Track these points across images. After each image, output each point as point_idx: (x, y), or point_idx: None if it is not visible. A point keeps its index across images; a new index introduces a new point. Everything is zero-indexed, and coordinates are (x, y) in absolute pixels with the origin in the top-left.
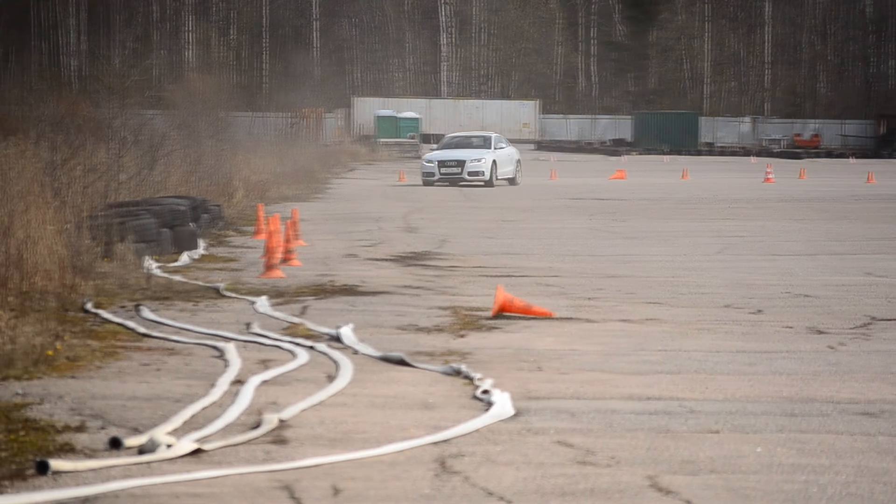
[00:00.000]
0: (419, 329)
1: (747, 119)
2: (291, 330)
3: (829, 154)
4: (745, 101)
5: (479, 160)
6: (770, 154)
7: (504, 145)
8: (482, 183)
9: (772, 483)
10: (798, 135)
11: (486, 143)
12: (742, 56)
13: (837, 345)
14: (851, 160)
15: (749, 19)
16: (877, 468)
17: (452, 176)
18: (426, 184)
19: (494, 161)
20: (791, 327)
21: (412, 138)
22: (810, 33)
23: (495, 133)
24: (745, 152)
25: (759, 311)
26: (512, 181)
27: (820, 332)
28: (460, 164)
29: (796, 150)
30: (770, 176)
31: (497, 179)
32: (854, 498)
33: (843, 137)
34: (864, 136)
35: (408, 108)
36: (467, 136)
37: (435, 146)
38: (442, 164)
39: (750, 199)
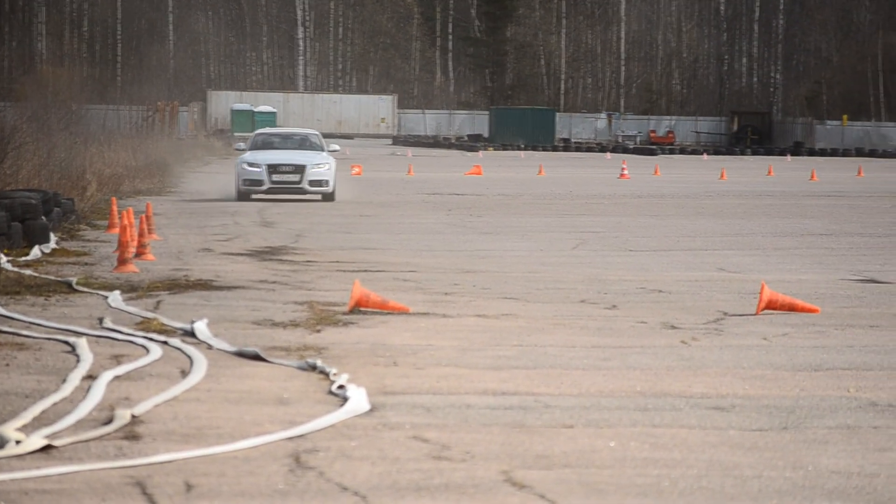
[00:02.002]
0: (275, 324)
1: (603, 115)
2: (145, 325)
3: (683, 151)
4: (601, 98)
5: (321, 165)
6: (625, 150)
7: (335, 147)
8: (321, 196)
9: (625, 477)
10: (653, 131)
11: (313, 144)
12: (598, 52)
13: (690, 340)
14: (705, 157)
15: (605, 16)
16: (728, 462)
17: (288, 186)
18: (244, 196)
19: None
20: (645, 322)
21: None
22: (665, 31)
23: (314, 130)
24: (601, 148)
25: (614, 306)
26: (331, 196)
27: (673, 328)
28: (299, 169)
29: (651, 147)
30: (625, 172)
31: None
32: (705, 491)
33: (696, 134)
34: (718, 133)
35: (264, 103)
36: (287, 133)
37: (243, 145)
38: (273, 168)
39: (605, 195)
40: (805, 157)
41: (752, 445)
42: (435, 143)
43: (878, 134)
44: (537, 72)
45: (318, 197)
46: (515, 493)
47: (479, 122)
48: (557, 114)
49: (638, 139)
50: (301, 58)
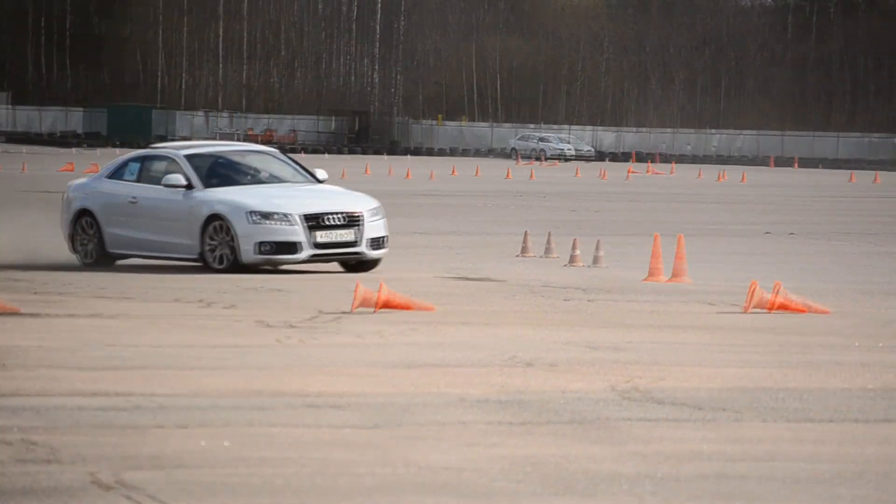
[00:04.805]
0: None
1: (201, 113)
2: None
3: (305, 149)
4: (198, 95)
5: (376, 214)
6: None
7: (323, 174)
8: (366, 265)
9: (238, 476)
10: (251, 129)
11: (296, 172)
12: (195, 50)
13: (309, 339)
14: (303, 155)
15: (203, 14)
16: (341, 459)
17: (342, 251)
18: (246, 269)
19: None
20: (264, 321)
21: None
22: (288, 30)
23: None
24: None
25: (233, 305)
26: (376, 262)
27: (292, 327)
28: (354, 221)
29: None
30: None
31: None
32: (318, 489)
33: (318, 133)
34: (340, 133)
35: None
36: (239, 149)
37: (181, 177)
38: (314, 221)
39: None
40: (401, 156)
41: (365, 443)
42: (51, 140)
43: (471, 133)
44: (136, 69)
45: (371, 266)
46: (127, 493)
47: (96, 119)
48: (154, 111)
49: (237, 136)
50: None
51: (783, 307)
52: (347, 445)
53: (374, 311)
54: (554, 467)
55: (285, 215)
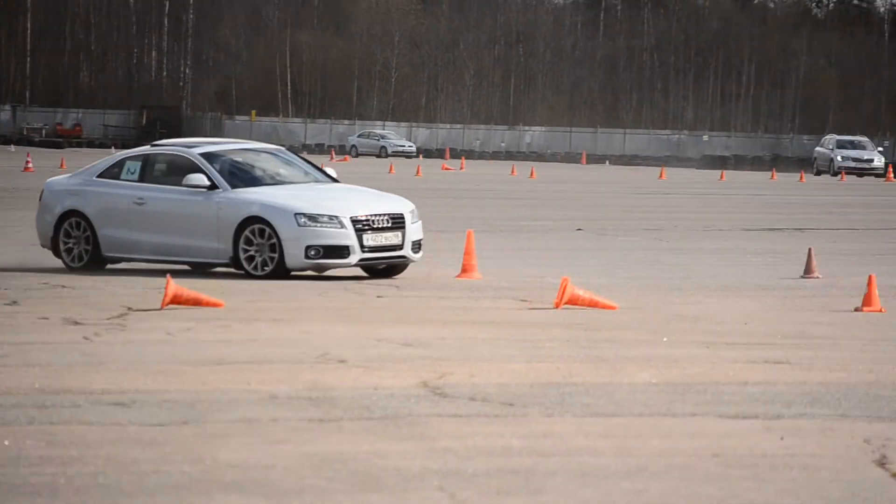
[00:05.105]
0: None
1: (7, 107)
2: None
3: (91, 144)
4: (4, 89)
5: (414, 214)
6: (31, 143)
7: (332, 172)
8: (399, 262)
9: (19, 476)
10: (60, 124)
11: (306, 172)
12: (2, 43)
13: (93, 335)
14: (114, 150)
15: (10, 6)
16: (126, 458)
17: (388, 255)
18: (281, 274)
19: None
20: (47, 318)
21: None
22: (73, 22)
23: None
24: (5, 140)
25: (15, 302)
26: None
27: (76, 323)
28: (398, 223)
29: (58, 140)
30: (30, 165)
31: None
32: (102, 488)
33: (105, 128)
34: (127, 127)
35: None
36: (255, 148)
37: (213, 174)
38: (364, 225)
39: (9, 188)
40: None
41: (151, 441)
42: None
43: (285, 129)
44: None
45: (400, 270)
46: None
47: None
48: None
49: (44, 132)
50: None
51: (571, 303)
52: (133, 443)
53: (161, 308)
54: (364, 464)
55: (334, 217)
